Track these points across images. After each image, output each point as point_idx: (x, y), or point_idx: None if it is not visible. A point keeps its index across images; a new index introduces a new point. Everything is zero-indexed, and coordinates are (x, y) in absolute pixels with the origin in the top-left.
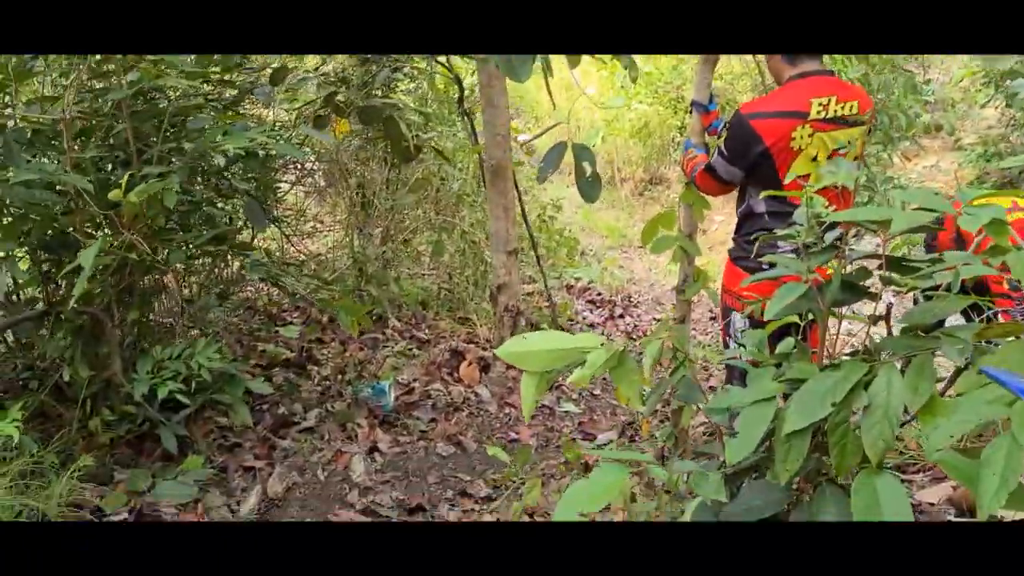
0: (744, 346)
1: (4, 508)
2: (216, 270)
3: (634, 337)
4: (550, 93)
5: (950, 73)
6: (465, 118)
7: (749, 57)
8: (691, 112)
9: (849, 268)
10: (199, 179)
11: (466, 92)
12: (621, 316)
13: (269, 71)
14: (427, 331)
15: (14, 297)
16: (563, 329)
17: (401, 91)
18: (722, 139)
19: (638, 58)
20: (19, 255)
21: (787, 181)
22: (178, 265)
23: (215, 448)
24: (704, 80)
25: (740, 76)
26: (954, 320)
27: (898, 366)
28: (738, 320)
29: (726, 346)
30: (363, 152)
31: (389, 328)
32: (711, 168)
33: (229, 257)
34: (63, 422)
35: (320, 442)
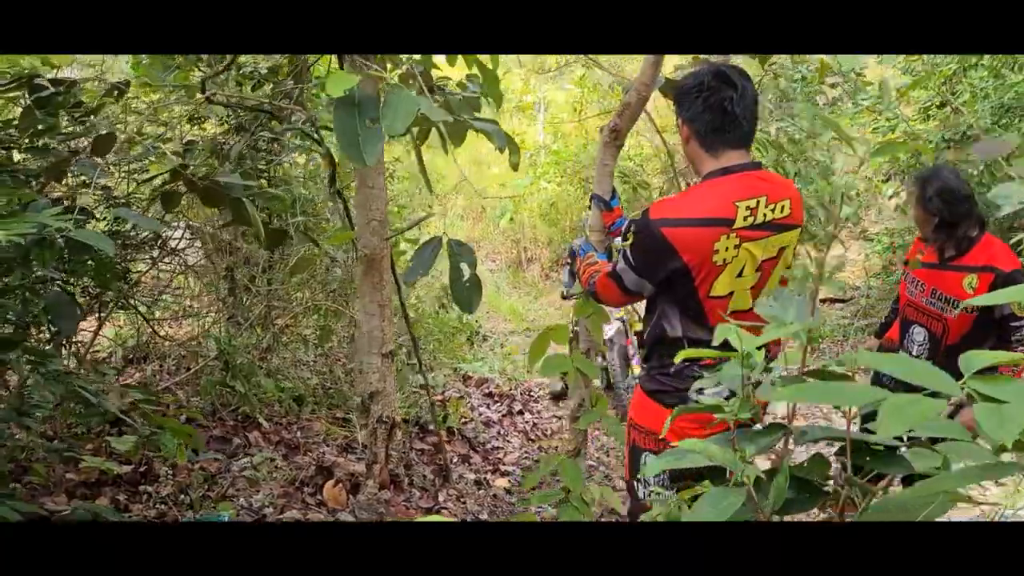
0: (658, 492)
1: None
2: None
3: (532, 438)
4: (423, 173)
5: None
6: (338, 199)
7: (659, 139)
8: (590, 207)
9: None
10: None
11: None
12: (520, 412)
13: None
14: (299, 434)
15: None
16: (453, 431)
17: (288, 163)
18: (628, 243)
19: (545, 138)
20: None
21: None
22: None
23: None
24: (605, 168)
25: (650, 158)
26: None
27: None
28: (652, 462)
29: (630, 490)
30: (239, 228)
31: (257, 431)
32: (616, 276)
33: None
34: None
35: None
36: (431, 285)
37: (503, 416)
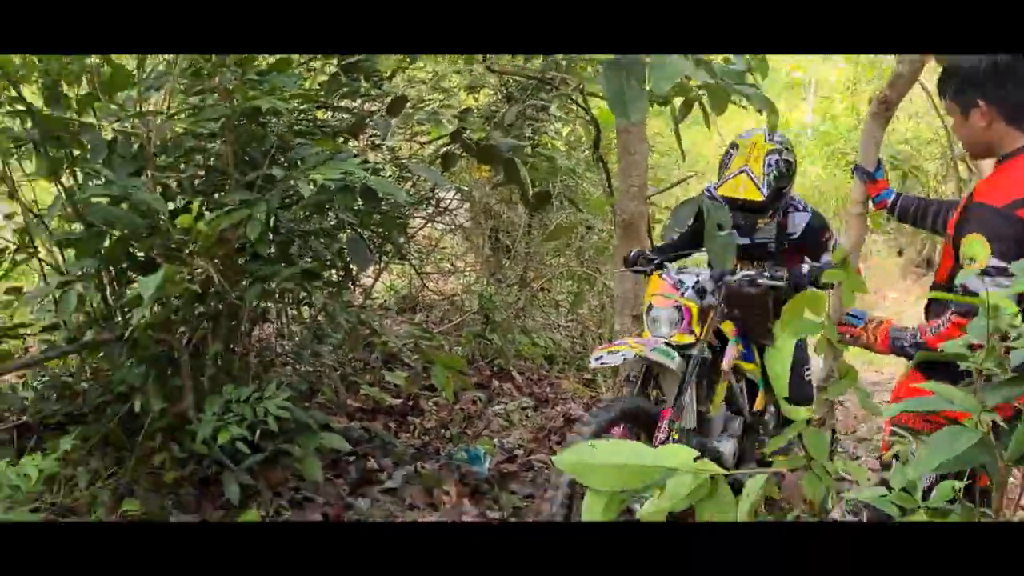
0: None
1: None
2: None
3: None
4: (679, 140)
5: None
6: (600, 165)
7: (938, 120)
8: (853, 177)
9: None
10: (302, 211)
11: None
12: None
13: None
14: (549, 389)
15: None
16: None
17: (552, 132)
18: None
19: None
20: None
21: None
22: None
23: (285, 500)
24: (871, 138)
25: (928, 142)
26: None
27: None
28: (892, 406)
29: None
30: (504, 192)
31: (510, 383)
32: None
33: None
34: (122, 457)
35: (400, 507)
36: None
37: None
